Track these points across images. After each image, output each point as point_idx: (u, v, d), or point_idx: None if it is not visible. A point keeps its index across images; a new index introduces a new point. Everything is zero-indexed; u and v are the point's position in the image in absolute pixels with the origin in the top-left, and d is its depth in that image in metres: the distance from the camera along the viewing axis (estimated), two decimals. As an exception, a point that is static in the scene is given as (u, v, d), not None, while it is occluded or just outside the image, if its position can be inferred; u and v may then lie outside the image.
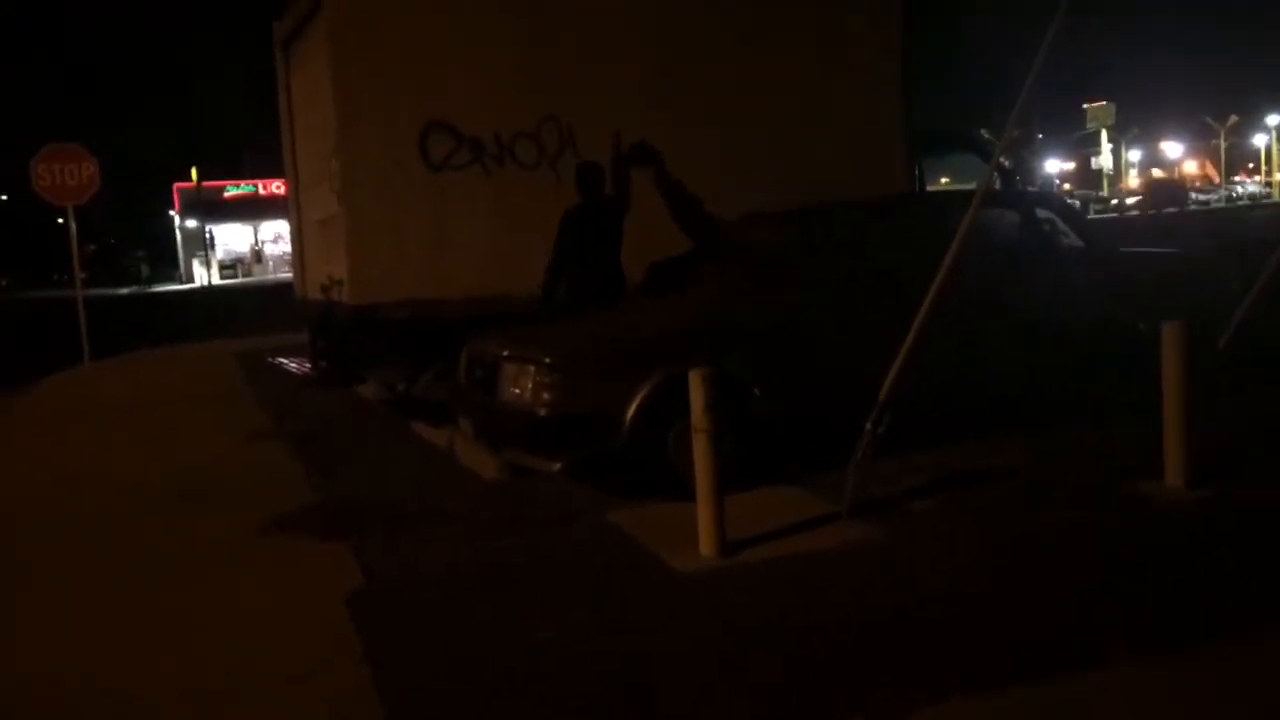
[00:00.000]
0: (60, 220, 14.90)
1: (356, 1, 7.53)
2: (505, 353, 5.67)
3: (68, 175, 13.64)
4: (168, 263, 69.98)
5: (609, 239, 7.29)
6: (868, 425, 4.74)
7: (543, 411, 5.26)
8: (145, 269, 75.87)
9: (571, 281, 7.22)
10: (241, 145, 56.87)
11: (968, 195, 5.43)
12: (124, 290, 56.40)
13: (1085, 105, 72.63)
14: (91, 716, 3.37)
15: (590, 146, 8.03)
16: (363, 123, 7.54)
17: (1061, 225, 6.76)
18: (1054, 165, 75.17)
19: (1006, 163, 8.48)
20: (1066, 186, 72.32)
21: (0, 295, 67.69)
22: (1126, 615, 3.58)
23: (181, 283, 60.60)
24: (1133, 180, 72.56)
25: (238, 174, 58.23)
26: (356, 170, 7.55)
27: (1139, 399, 5.48)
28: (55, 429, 8.98)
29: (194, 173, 55.69)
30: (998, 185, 7.52)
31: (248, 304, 28.23)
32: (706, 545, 4.41)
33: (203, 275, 55.97)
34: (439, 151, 7.67)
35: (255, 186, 57.41)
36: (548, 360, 5.31)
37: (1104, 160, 74.00)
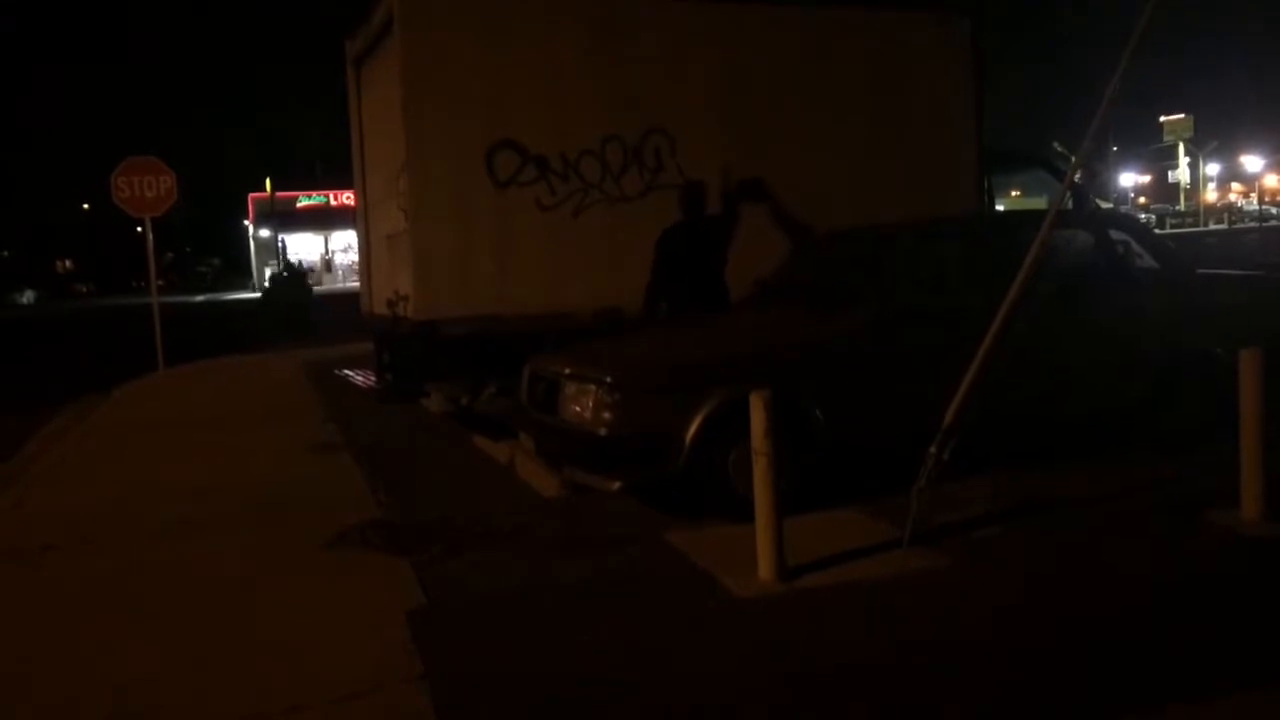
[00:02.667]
0: (139, 229, 15.31)
1: (428, 23, 7.64)
2: (566, 371, 5.69)
3: (146, 188, 14.05)
4: (241, 271, 71.74)
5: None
6: (931, 450, 4.67)
7: (603, 431, 5.26)
8: (209, 276, 77.92)
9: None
10: (315, 156, 58.06)
11: (1040, 215, 5.32)
12: (199, 297, 57.83)
13: (1163, 119, 71.01)
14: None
15: (653, 164, 8.09)
16: (431, 141, 7.64)
17: (1136, 246, 6.60)
18: (1129, 178, 73.59)
19: (1079, 180, 8.30)
20: (1142, 200, 70.75)
21: (84, 301, 69.81)
22: (1198, 652, 3.47)
23: (253, 290, 61.97)
24: (1210, 194, 70.69)
25: (311, 184, 59.43)
26: (424, 187, 7.65)
27: (1215, 427, 5.32)
28: (126, 437, 9.20)
29: (268, 183, 57.04)
30: (1070, 205, 7.37)
31: (316, 313, 28.75)
32: (765, 569, 4.37)
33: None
34: (505, 169, 7.75)
35: (327, 197, 58.56)
36: (609, 379, 5.32)
37: (1181, 174, 72.24)
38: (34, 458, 8.73)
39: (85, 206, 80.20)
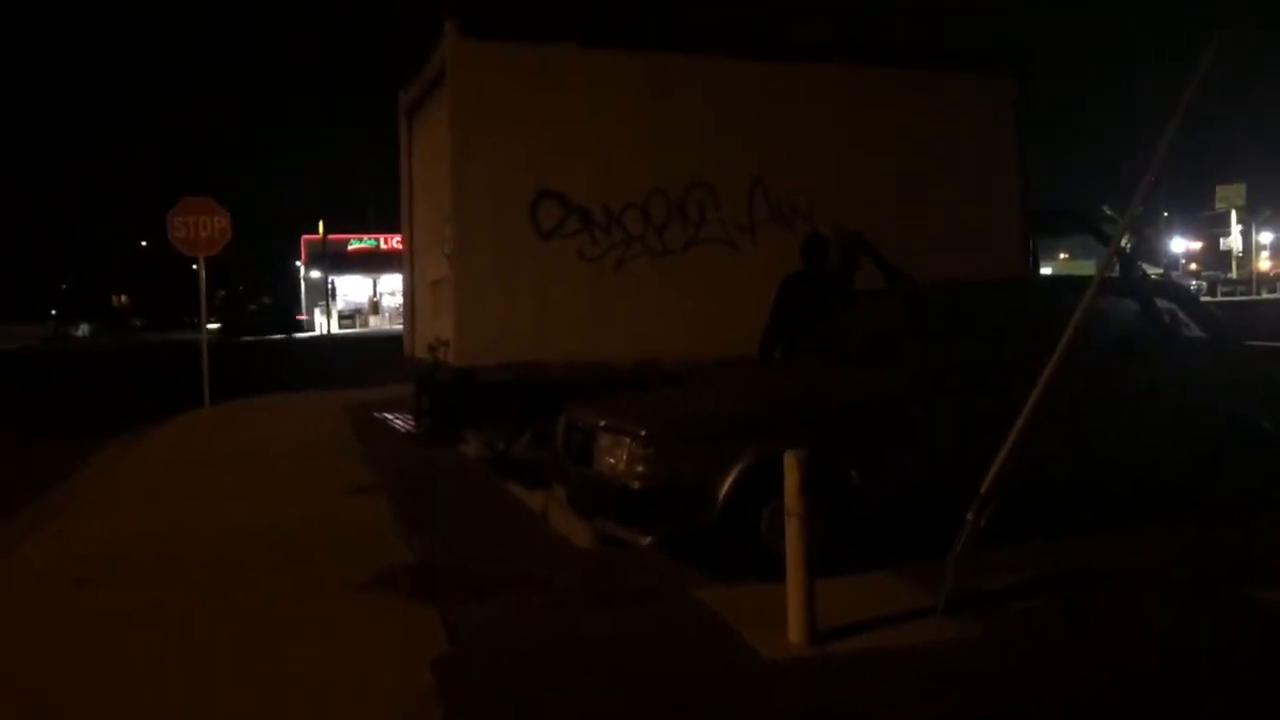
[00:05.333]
0: (194, 267, 15.62)
1: (478, 76, 7.81)
2: (602, 422, 5.69)
3: (200, 227, 14.34)
4: (287, 311, 72.78)
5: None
6: (969, 516, 4.59)
7: (636, 484, 5.25)
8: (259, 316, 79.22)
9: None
10: (367, 200, 59.07)
11: (1084, 280, 5.27)
12: (248, 336, 58.68)
13: (1217, 187, 70.30)
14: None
15: (696, 217, 8.16)
16: (476, 190, 7.76)
17: (1182, 315, 6.51)
18: (1180, 244, 72.76)
19: (1127, 246, 8.24)
20: (1193, 266, 69.89)
21: (136, 336, 71.16)
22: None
23: (303, 330, 62.84)
24: (1264, 263, 69.59)
25: (362, 228, 60.39)
26: (468, 235, 7.76)
27: (1262, 500, 5.19)
28: (166, 473, 9.31)
29: (320, 226, 58.04)
30: (1116, 271, 7.29)
31: (362, 354, 29.07)
32: (795, 632, 4.30)
33: (323, 324, 57.99)
34: (548, 219, 7.85)
35: (377, 241, 59.39)
36: (643, 433, 5.31)
37: (1233, 241, 71.30)
38: (78, 489, 8.87)
39: (144, 244, 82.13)
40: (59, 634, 4.81)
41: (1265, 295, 55.94)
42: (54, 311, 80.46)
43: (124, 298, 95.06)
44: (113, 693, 4.05)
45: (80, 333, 72.13)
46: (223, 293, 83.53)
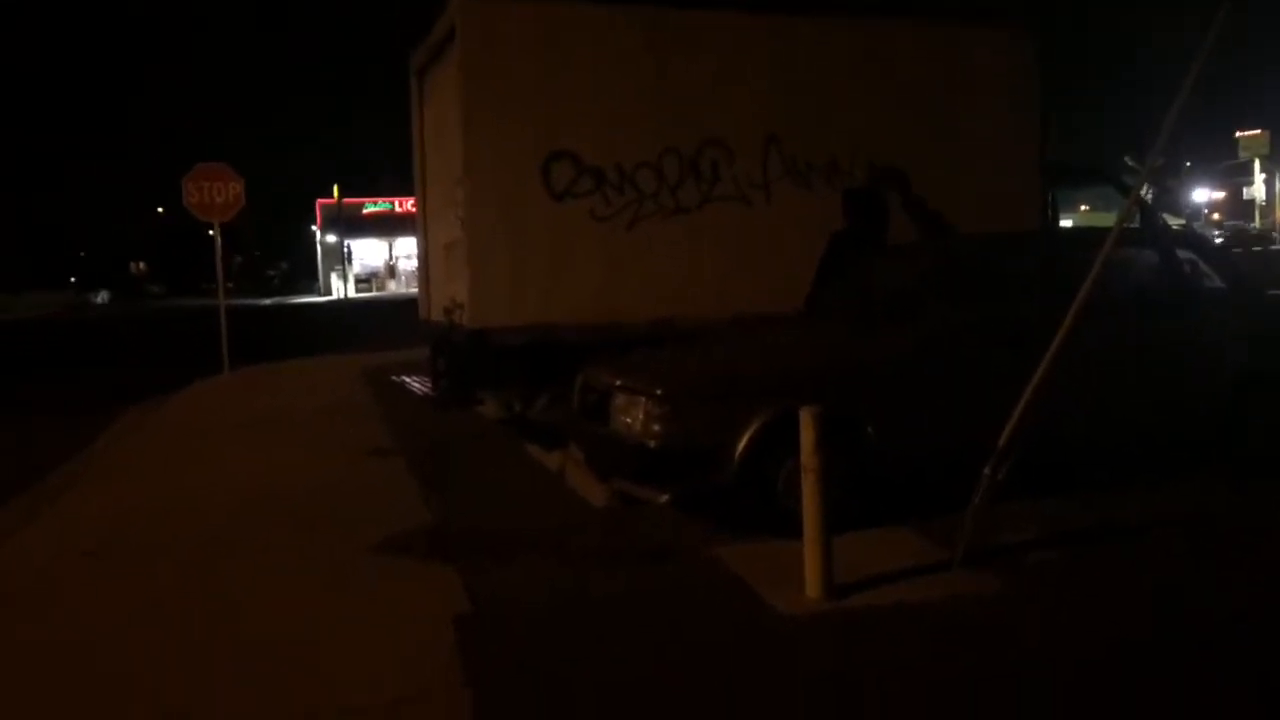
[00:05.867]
0: (210, 233, 15.64)
1: (488, 36, 7.73)
2: (617, 382, 5.69)
3: (215, 193, 14.35)
4: (308, 275, 73.12)
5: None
6: (986, 471, 4.59)
7: (652, 443, 5.26)
8: (276, 280, 79.76)
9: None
10: (382, 163, 58.97)
11: (1104, 232, 5.21)
12: (266, 301, 58.99)
13: (1238, 134, 69.25)
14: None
15: (709, 176, 8.11)
16: (488, 151, 7.71)
17: (1203, 266, 6.44)
18: (1202, 194, 71.82)
19: (1147, 196, 8.15)
20: (1215, 216, 69.01)
21: (155, 302, 71.62)
22: (1259, 695, 3.36)
23: (320, 295, 63.06)
24: (1288, 211, 68.68)
25: (376, 191, 60.36)
26: (480, 197, 7.72)
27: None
28: (187, 440, 9.38)
29: (335, 190, 58.05)
30: (1136, 222, 7.21)
31: (379, 318, 29.17)
32: (812, 587, 4.32)
33: (339, 288, 58.16)
34: (561, 180, 7.81)
35: (392, 204, 59.35)
36: (659, 392, 5.31)
37: (1256, 190, 70.32)
38: (97, 457, 8.96)
39: (160, 210, 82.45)
40: (75, 602, 4.84)
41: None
42: (73, 279, 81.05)
43: (142, 265, 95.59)
44: (130, 655, 4.10)
45: (99, 300, 72.63)
46: (239, 258, 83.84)
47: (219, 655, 4.05)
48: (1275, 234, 52.44)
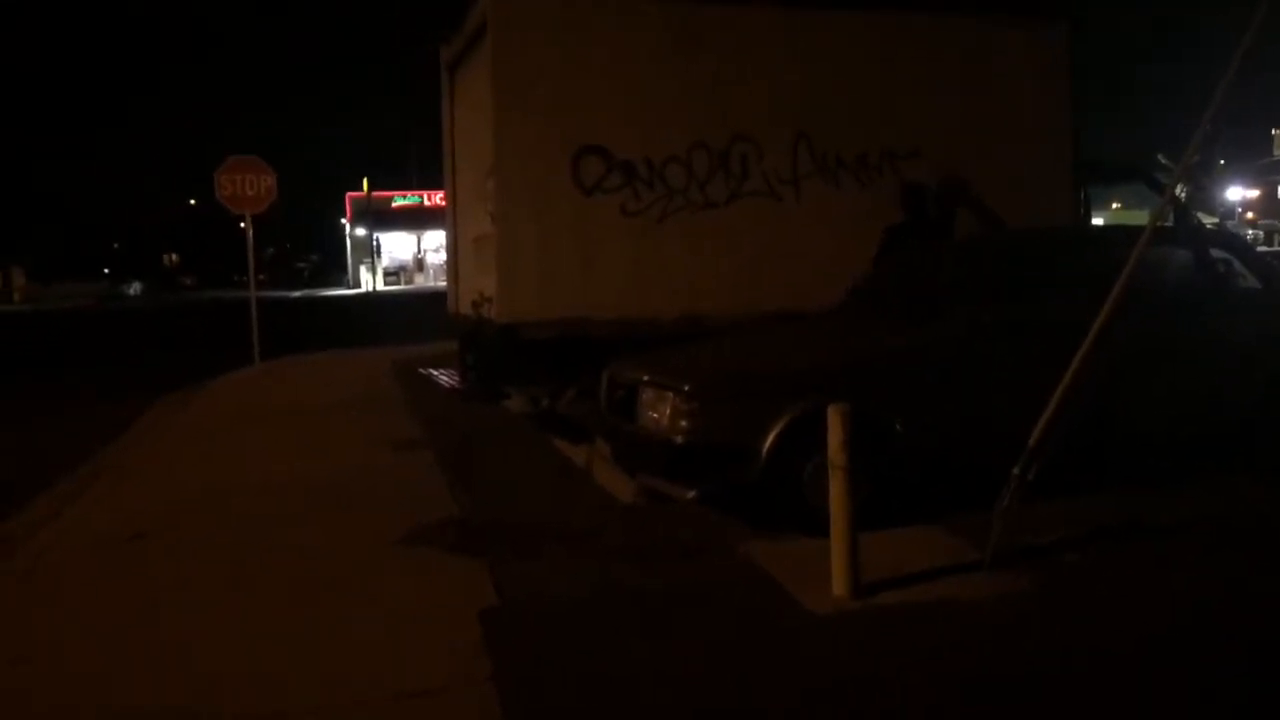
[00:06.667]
0: (242, 225, 15.79)
1: (519, 30, 7.74)
2: (645, 378, 5.69)
3: (247, 186, 14.49)
4: (337, 268, 73.61)
5: None
6: (1015, 471, 4.55)
7: (679, 439, 5.25)
8: (306, 273, 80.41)
9: None
10: (412, 157, 59.16)
11: (1137, 230, 5.16)
12: (295, 293, 59.38)
13: (1274, 132, 68.25)
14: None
15: (739, 171, 8.08)
16: (518, 145, 7.72)
17: (1238, 266, 6.35)
18: (1236, 193, 70.83)
19: (1181, 195, 8.06)
20: (1250, 215, 68.06)
21: (186, 294, 72.34)
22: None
23: (349, 287, 63.40)
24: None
25: (406, 185, 60.61)
26: (510, 191, 7.73)
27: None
28: (216, 431, 9.47)
29: (365, 183, 58.33)
30: (1170, 221, 7.12)
31: (407, 311, 29.30)
32: (839, 586, 4.30)
33: (368, 281, 58.46)
34: (590, 175, 7.81)
35: (421, 197, 59.57)
36: (686, 388, 5.30)
37: (1293, 188, 69.22)
38: (131, 446, 9.07)
39: (192, 202, 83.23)
40: (109, 590, 4.92)
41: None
42: (106, 270, 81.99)
43: (174, 256, 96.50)
44: (163, 643, 4.15)
45: (132, 291, 73.45)
46: (271, 250, 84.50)
47: (238, 643, 4.09)
48: None
